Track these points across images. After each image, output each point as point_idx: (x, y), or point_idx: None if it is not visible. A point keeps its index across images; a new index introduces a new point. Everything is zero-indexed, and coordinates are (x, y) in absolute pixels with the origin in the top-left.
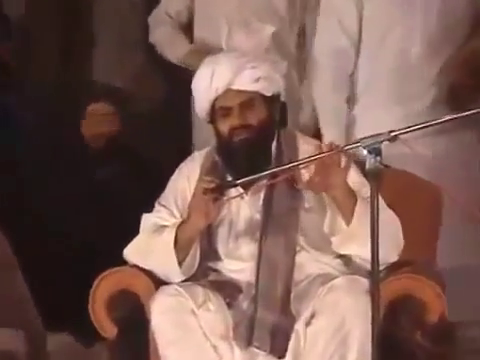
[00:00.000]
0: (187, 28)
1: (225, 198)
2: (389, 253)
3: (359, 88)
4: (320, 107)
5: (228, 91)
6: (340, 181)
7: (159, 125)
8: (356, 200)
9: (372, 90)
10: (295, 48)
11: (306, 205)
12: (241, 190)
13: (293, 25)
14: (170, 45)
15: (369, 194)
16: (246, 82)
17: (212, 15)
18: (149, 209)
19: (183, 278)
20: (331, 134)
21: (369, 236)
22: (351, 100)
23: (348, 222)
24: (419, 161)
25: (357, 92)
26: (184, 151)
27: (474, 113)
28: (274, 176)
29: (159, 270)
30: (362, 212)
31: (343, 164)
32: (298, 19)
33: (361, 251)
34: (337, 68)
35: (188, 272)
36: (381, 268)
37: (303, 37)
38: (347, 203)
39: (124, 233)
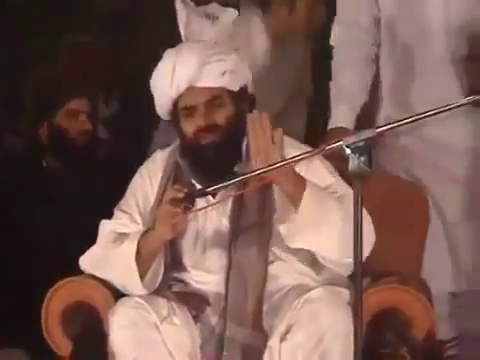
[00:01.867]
0: None
1: (194, 209)
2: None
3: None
4: (332, 83)
5: (191, 88)
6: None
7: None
8: (305, 187)
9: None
10: None
11: (278, 209)
12: (212, 199)
13: None
14: None
15: (333, 187)
16: (211, 77)
17: None
18: (109, 214)
19: (145, 293)
20: (340, 112)
21: (321, 227)
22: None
23: (296, 208)
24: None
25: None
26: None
27: (460, 105)
28: (245, 183)
29: (118, 283)
30: (311, 198)
31: (277, 142)
32: None
33: (314, 245)
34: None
35: (151, 286)
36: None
37: None
38: (291, 187)
39: (81, 238)
